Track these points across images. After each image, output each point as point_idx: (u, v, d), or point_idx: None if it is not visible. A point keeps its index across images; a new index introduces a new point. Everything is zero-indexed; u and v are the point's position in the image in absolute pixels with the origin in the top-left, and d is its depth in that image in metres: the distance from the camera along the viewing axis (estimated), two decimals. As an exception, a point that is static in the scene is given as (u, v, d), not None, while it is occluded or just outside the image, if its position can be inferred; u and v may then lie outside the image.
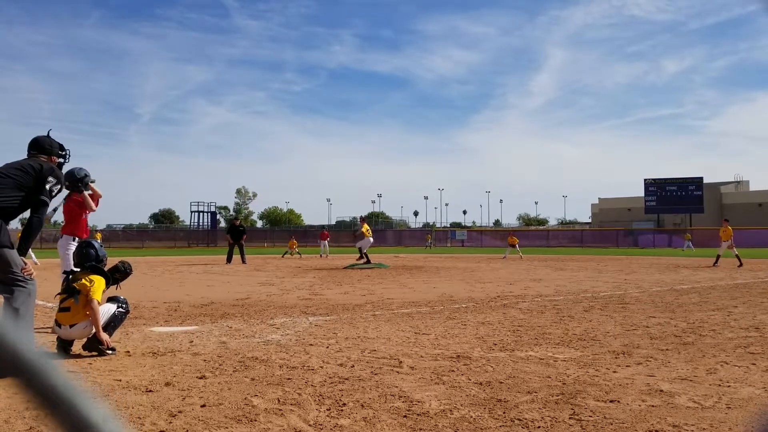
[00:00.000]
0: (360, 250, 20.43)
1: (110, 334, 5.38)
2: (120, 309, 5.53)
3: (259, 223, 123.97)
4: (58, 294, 5.58)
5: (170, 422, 3.36)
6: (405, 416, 3.44)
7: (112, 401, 3.76)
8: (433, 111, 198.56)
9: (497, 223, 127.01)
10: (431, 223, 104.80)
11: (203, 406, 3.68)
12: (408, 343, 5.75)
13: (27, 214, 4.94)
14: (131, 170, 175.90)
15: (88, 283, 5.33)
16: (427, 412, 3.51)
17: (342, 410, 3.56)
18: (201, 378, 4.38)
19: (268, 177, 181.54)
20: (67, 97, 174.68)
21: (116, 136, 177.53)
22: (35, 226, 4.91)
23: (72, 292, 5.30)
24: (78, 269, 5.60)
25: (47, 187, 4.84)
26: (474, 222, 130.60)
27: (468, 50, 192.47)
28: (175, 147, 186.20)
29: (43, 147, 5.12)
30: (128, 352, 5.37)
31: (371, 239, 20.81)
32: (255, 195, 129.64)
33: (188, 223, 76.98)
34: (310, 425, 3.28)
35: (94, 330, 5.25)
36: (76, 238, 7.06)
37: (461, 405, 3.67)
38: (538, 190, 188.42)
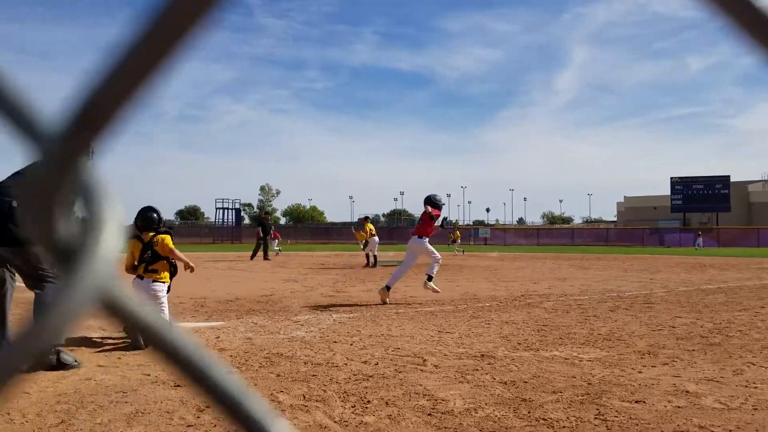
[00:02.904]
0: (368, 256, 19.36)
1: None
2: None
3: (283, 220, 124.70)
4: (138, 266, 6.06)
5: (198, 417, 3.41)
6: (429, 414, 3.46)
7: (141, 396, 3.84)
8: (455, 109, 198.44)
9: (521, 221, 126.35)
10: (454, 221, 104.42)
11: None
12: (432, 342, 5.76)
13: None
14: (157, 167, 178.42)
15: (162, 242, 6.05)
16: (451, 411, 3.53)
17: (366, 407, 3.59)
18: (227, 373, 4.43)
19: (291, 174, 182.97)
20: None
21: (141, 134, 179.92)
22: None
23: (156, 257, 6.02)
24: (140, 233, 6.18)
25: None
26: (497, 220, 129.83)
27: (491, 48, 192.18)
28: (200, 145, 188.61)
29: None
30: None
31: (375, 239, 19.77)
32: (278, 192, 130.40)
33: (213, 220, 77.70)
34: (335, 422, 3.32)
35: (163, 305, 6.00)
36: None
37: (486, 404, 3.68)
38: (563, 188, 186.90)
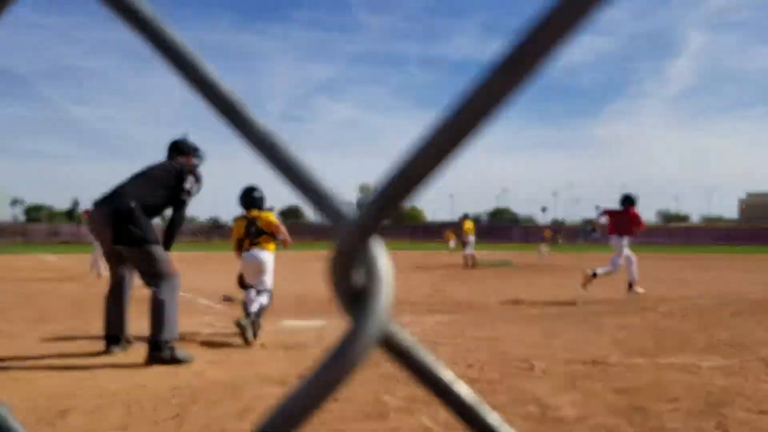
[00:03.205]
0: (466, 256, 18.93)
1: (260, 324, 5.94)
2: (268, 300, 6.26)
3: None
4: (244, 239, 6.41)
5: (304, 416, 3.45)
6: (539, 421, 3.33)
7: (250, 392, 3.93)
8: (561, 101, 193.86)
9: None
10: (560, 220, 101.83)
11: (335, 400, 3.75)
12: (539, 346, 5.58)
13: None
14: (260, 167, 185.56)
15: (265, 218, 6.42)
16: (562, 419, 3.38)
17: (472, 412, 3.50)
18: (332, 373, 4.48)
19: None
20: (198, 97, 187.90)
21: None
22: (177, 222, 5.27)
23: (260, 232, 6.35)
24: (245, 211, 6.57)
25: (187, 186, 5.20)
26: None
27: (599, 36, 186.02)
28: (301, 144, 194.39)
29: (181, 149, 5.53)
30: (263, 344, 5.60)
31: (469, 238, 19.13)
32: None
33: (314, 219, 79.78)
34: (439, 425, 3.25)
35: (268, 284, 6.30)
36: None
37: (598, 412, 3.50)
38: (679, 183, 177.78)
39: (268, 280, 6.34)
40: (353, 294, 0.30)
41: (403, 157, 0.29)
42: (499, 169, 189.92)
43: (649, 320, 7.23)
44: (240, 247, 6.44)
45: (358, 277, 0.30)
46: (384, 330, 0.29)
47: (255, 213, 6.47)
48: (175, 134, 5.72)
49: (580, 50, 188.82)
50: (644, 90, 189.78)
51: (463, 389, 0.33)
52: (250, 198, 6.53)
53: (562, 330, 6.49)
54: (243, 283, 6.42)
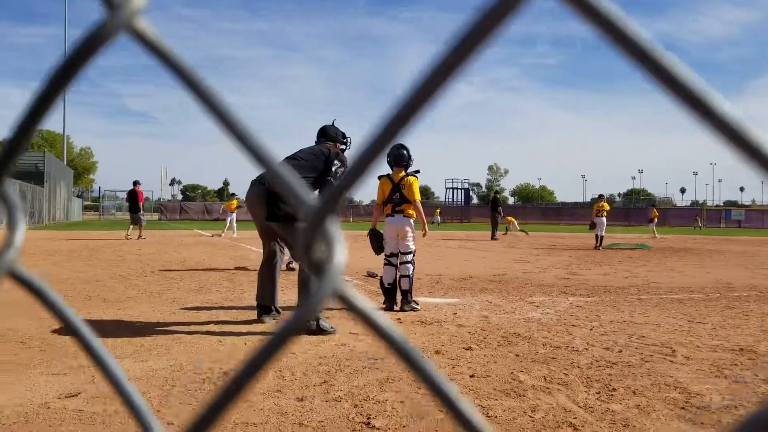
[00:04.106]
0: (597, 236, 18.48)
1: (412, 296, 6.47)
2: (413, 267, 6.62)
3: (511, 200, 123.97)
4: (386, 204, 6.74)
5: (443, 389, 3.58)
6: (683, 408, 3.25)
7: (390, 363, 4.12)
8: (702, 77, 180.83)
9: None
10: (701, 202, 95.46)
11: (472, 376, 3.86)
12: (681, 332, 5.38)
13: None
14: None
15: (409, 186, 6.63)
16: (707, 406, 3.28)
17: (612, 395, 3.48)
18: (467, 349, 4.58)
19: (520, 153, 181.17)
20: (335, 82, 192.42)
21: (375, 119, 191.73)
22: None
23: (404, 200, 6.61)
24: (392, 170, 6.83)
25: (333, 169, 5.47)
26: (754, 200, 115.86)
27: (743, 8, 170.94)
28: (430, 126, 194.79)
29: (329, 134, 5.86)
30: (399, 319, 5.80)
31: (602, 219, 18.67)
32: (506, 172, 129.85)
33: (443, 200, 79.79)
34: (579, 407, 3.27)
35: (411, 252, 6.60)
36: None
37: (748, 402, 3.36)
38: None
39: (411, 243, 6.61)
40: (318, 259, 0.36)
41: None
42: (634, 149, 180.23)
43: (806, 310, 6.72)
44: (383, 207, 6.74)
45: (320, 247, 0.36)
46: (337, 287, 0.35)
47: (400, 175, 6.67)
48: (319, 119, 6.10)
49: (722, 23, 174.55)
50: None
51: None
52: (397, 155, 6.71)
53: (705, 316, 6.20)
54: (374, 242, 6.74)
